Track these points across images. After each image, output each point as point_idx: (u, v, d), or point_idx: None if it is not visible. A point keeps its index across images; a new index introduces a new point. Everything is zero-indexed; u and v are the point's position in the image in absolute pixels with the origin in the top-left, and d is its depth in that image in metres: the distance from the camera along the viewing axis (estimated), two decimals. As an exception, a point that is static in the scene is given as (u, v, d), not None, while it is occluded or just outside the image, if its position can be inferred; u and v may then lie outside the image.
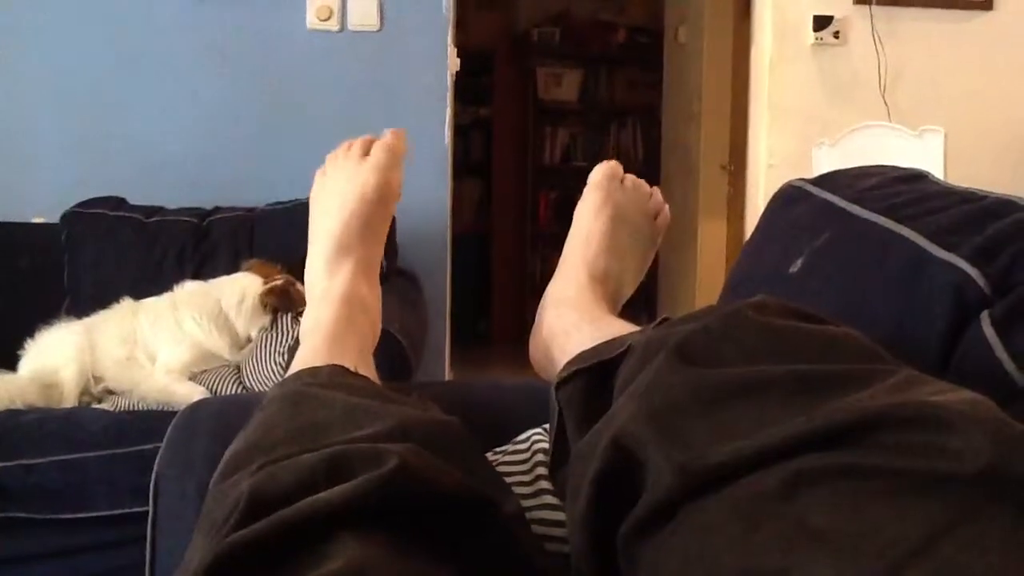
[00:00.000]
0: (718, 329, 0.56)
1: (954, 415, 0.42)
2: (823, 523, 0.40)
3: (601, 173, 0.96)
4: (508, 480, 0.71)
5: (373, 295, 0.90)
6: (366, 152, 0.91)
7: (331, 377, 0.71)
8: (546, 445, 0.73)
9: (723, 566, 0.42)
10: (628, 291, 0.96)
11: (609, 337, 0.69)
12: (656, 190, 0.99)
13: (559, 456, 0.66)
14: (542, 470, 0.73)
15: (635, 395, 0.54)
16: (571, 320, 0.83)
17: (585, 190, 0.96)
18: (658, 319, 0.66)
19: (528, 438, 0.79)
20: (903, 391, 0.47)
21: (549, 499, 0.71)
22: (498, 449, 0.79)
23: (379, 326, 0.91)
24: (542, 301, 0.92)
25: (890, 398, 0.46)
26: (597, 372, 0.64)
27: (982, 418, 0.42)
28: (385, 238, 0.94)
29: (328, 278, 0.87)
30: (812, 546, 0.39)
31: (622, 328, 0.75)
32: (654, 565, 0.48)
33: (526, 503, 0.70)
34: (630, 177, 0.97)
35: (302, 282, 0.95)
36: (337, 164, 0.93)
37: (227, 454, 0.62)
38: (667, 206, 0.99)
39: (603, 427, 0.55)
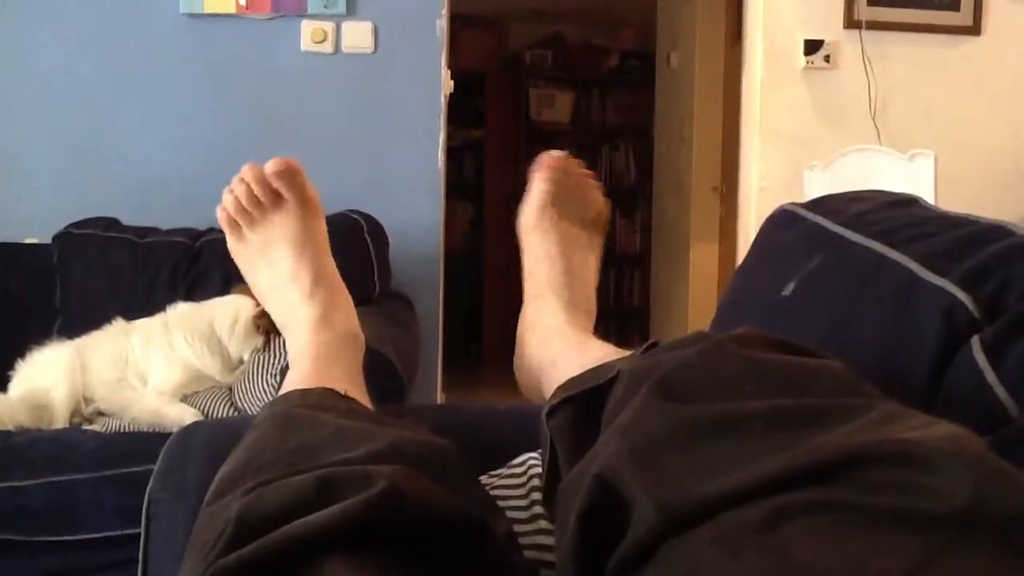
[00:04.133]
0: (699, 364, 0.57)
1: (934, 453, 0.42)
2: (806, 556, 0.40)
3: (536, 207, 0.95)
4: (504, 504, 0.71)
5: (351, 318, 0.91)
6: (271, 192, 0.92)
7: (321, 399, 0.71)
8: (541, 470, 0.73)
9: None
10: (592, 292, 0.96)
11: (595, 363, 0.69)
12: (590, 187, 0.98)
13: (552, 484, 0.66)
14: (538, 495, 0.73)
15: (618, 431, 0.55)
16: (556, 348, 0.83)
17: (524, 226, 0.96)
18: (646, 343, 0.66)
19: (524, 462, 0.79)
20: (883, 427, 0.47)
21: (545, 524, 0.70)
22: (493, 472, 0.79)
23: (363, 345, 0.92)
24: (520, 332, 0.92)
25: (870, 435, 0.46)
26: (586, 399, 0.64)
27: (962, 455, 0.42)
28: (328, 248, 0.95)
29: (308, 308, 0.89)
30: None
31: (607, 352, 0.75)
32: None
33: (522, 527, 0.70)
34: (564, 193, 0.96)
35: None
36: (262, 219, 0.93)
37: (218, 476, 0.62)
38: (602, 197, 0.98)
39: (587, 463, 0.55)
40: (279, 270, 0.91)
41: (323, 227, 0.94)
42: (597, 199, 0.98)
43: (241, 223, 0.93)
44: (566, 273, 0.92)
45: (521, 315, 0.93)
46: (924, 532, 0.39)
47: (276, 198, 0.92)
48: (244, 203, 0.92)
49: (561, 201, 0.96)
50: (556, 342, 0.84)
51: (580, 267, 0.94)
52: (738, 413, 0.50)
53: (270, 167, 0.91)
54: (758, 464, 0.46)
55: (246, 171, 0.92)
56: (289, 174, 0.91)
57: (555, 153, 0.97)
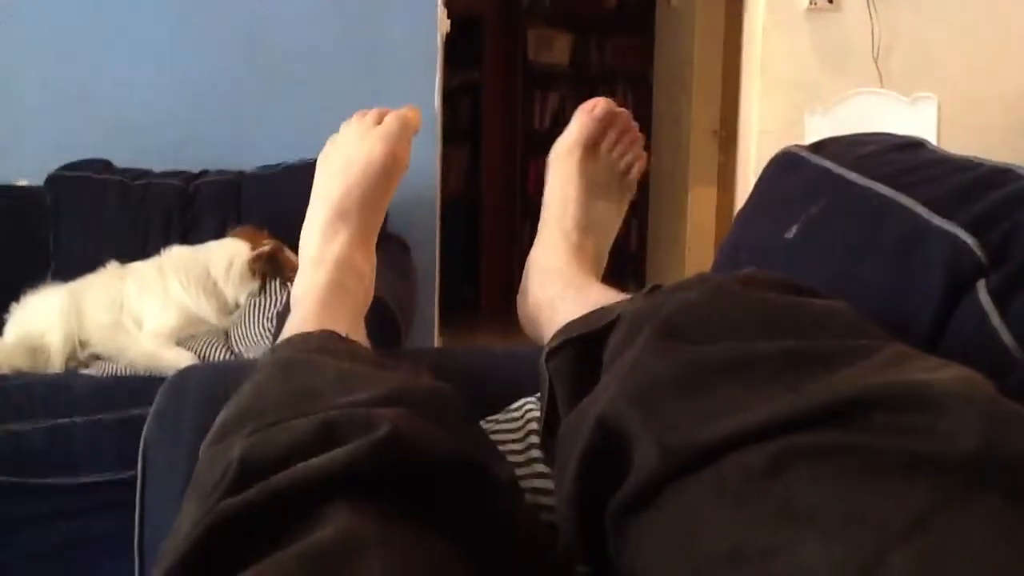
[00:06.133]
0: (704, 304, 0.56)
1: (944, 395, 0.41)
2: (810, 502, 0.40)
3: (571, 141, 0.94)
4: (501, 448, 0.71)
5: (368, 263, 0.90)
6: (379, 121, 0.90)
7: (323, 343, 0.70)
8: (539, 414, 0.73)
9: (709, 544, 0.42)
10: (607, 247, 0.95)
11: (596, 306, 0.68)
12: (632, 144, 0.97)
13: (551, 427, 0.66)
14: (535, 439, 0.73)
15: (620, 373, 0.54)
16: (556, 290, 0.82)
17: (554, 155, 0.95)
18: (648, 286, 0.65)
19: (521, 406, 0.78)
20: (892, 368, 0.46)
21: (541, 467, 0.70)
22: (491, 417, 0.79)
23: (371, 294, 0.90)
24: (527, 266, 0.92)
25: (878, 376, 0.45)
26: (586, 342, 0.64)
27: (972, 397, 0.41)
28: (386, 208, 0.93)
29: (323, 243, 0.86)
30: (799, 525, 0.39)
31: (608, 296, 0.74)
32: (642, 543, 0.47)
33: (519, 471, 0.70)
34: (606, 143, 0.95)
35: (290, 247, 0.94)
36: (349, 129, 0.91)
37: (218, 419, 0.61)
38: (643, 157, 0.97)
39: (588, 405, 0.54)
40: (331, 187, 0.89)
41: (391, 182, 0.92)
42: (636, 154, 0.97)
43: (354, 118, 0.92)
44: (580, 217, 0.91)
45: (531, 254, 0.92)
46: (931, 477, 0.38)
47: (377, 121, 0.90)
48: (374, 110, 0.91)
49: (597, 146, 0.95)
50: (556, 284, 0.83)
51: (598, 217, 0.93)
52: (743, 355, 0.50)
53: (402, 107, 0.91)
54: (762, 407, 0.45)
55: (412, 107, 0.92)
56: (403, 115, 0.89)
57: (604, 100, 0.95)
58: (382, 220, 0.93)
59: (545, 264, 0.87)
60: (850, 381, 0.45)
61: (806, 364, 0.48)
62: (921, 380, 0.43)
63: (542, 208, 0.94)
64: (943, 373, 0.45)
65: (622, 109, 0.96)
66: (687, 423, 0.47)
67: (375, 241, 0.92)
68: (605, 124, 0.95)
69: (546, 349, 0.68)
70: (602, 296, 0.74)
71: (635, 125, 0.97)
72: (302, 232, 0.89)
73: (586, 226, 0.91)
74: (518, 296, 0.92)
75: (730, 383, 0.48)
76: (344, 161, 0.89)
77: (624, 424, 0.50)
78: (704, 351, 0.51)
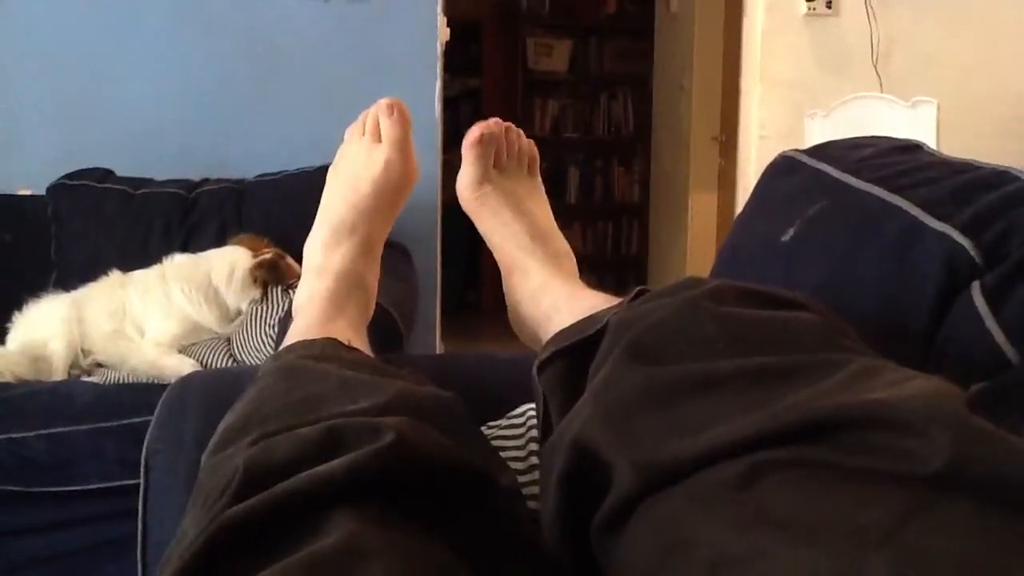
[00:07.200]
0: (672, 323, 0.56)
1: (911, 414, 0.42)
2: (783, 511, 0.40)
3: (476, 176, 0.93)
4: (502, 454, 0.71)
5: (372, 273, 0.90)
6: (377, 129, 0.90)
7: (325, 350, 0.71)
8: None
9: (689, 555, 0.43)
10: (561, 236, 0.95)
11: (587, 312, 0.68)
12: (517, 138, 0.96)
13: (548, 437, 0.66)
14: (535, 446, 0.73)
15: (593, 394, 0.55)
16: (548, 302, 0.83)
17: (467, 197, 0.94)
18: (636, 290, 0.65)
19: (523, 413, 0.79)
20: (857, 384, 0.46)
21: (542, 473, 0.71)
22: (492, 423, 0.79)
23: (374, 304, 0.91)
24: (508, 298, 0.91)
25: (846, 395, 0.45)
26: (575, 352, 0.64)
27: (940, 416, 0.41)
28: (394, 220, 0.93)
29: (327, 253, 0.87)
30: (774, 533, 0.39)
31: (598, 302, 0.74)
32: (625, 558, 0.48)
33: (520, 478, 0.70)
34: (502, 156, 0.95)
35: (291, 255, 0.94)
36: (352, 142, 0.91)
37: (221, 426, 0.61)
38: (530, 145, 0.97)
39: (566, 427, 0.55)
40: (337, 201, 0.89)
41: (401, 194, 0.91)
42: (524, 145, 0.97)
43: (356, 132, 0.91)
44: (531, 229, 0.91)
45: (505, 288, 0.92)
46: (904, 488, 0.39)
47: (377, 134, 0.90)
48: (369, 119, 0.90)
49: (496, 165, 0.94)
50: (546, 297, 0.83)
51: (538, 215, 0.94)
52: (711, 373, 0.50)
53: (386, 102, 0.89)
54: (732, 424, 0.46)
55: (390, 104, 0.90)
56: (395, 134, 0.88)
57: (474, 128, 0.94)
58: (388, 231, 0.93)
59: (530, 286, 0.87)
60: (816, 400, 0.45)
61: (773, 380, 0.48)
62: (887, 400, 0.43)
63: (493, 250, 0.93)
64: (909, 388, 0.45)
65: (492, 121, 0.94)
66: (659, 441, 0.48)
67: (380, 251, 0.92)
68: (494, 145, 0.94)
69: (537, 361, 0.68)
70: (592, 302, 0.75)
71: (508, 124, 0.96)
72: (307, 242, 0.90)
73: (537, 232, 0.91)
74: (512, 321, 0.92)
75: (699, 401, 0.49)
76: (351, 176, 0.89)
77: (598, 446, 0.51)
78: (672, 370, 0.52)
